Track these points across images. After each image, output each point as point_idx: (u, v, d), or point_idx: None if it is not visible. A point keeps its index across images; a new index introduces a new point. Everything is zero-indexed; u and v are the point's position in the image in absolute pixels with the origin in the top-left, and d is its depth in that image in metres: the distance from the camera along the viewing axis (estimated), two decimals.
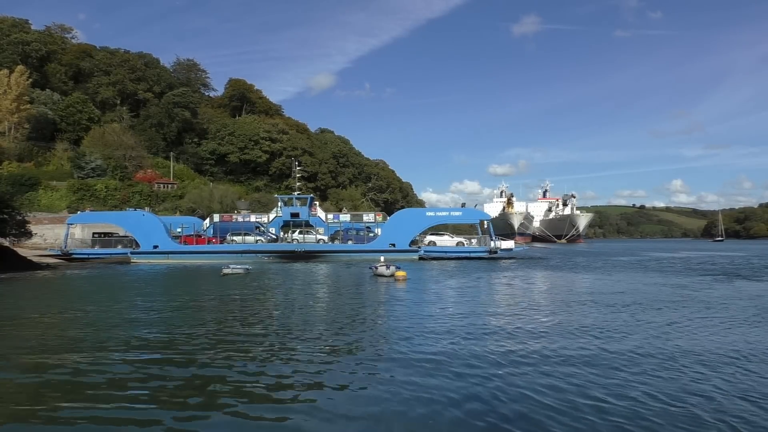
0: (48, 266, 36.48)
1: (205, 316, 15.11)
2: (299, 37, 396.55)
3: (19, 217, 36.08)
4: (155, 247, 44.89)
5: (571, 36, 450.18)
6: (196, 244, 46.33)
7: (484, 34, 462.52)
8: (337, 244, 46.63)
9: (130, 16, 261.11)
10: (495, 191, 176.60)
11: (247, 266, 32.65)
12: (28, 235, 37.01)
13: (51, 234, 55.38)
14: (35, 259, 39.30)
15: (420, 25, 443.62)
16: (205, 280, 27.84)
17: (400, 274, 25.98)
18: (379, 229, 47.88)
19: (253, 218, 50.92)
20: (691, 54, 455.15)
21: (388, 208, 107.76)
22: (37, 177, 69.76)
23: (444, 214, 50.90)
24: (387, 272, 26.60)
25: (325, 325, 13.33)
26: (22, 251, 37.15)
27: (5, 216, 34.23)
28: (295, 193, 53.78)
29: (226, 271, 29.68)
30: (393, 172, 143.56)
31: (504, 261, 43.26)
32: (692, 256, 52.72)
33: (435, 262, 42.08)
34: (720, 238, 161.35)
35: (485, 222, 49.39)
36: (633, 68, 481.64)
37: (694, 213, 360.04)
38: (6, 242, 34.95)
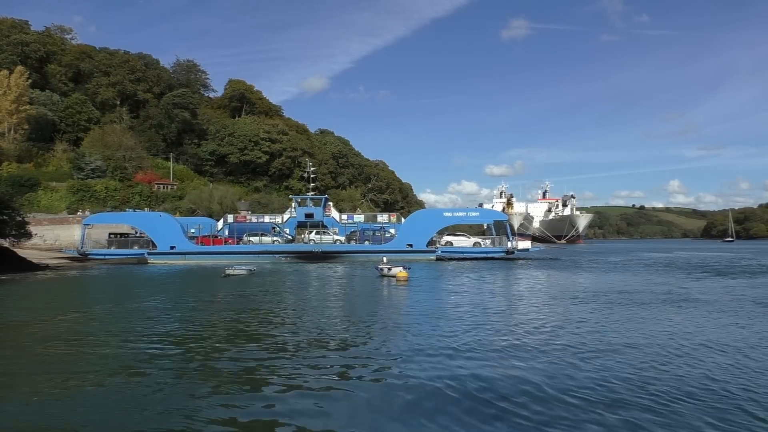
0: (48, 267, 36.36)
1: (208, 319, 15.03)
2: (302, 36, 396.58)
3: (18, 218, 35.93)
4: (172, 247, 44.93)
5: (570, 37, 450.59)
6: (213, 244, 46.34)
7: (486, 34, 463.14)
8: (354, 245, 46.29)
9: (131, 16, 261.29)
10: (494, 192, 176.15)
11: (251, 267, 32.56)
12: (28, 236, 36.86)
13: (51, 235, 55.21)
14: (51, 260, 39.24)
15: (424, 24, 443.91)
16: (219, 282, 27.72)
17: (402, 274, 25.84)
18: (394, 230, 47.69)
19: (267, 218, 50.80)
20: (688, 56, 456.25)
21: (388, 209, 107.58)
22: (37, 178, 69.62)
23: (461, 214, 50.61)
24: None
25: (331, 330, 13.23)
26: (22, 252, 37.02)
27: (5, 217, 34.10)
28: (309, 194, 53.71)
29: (228, 271, 29.54)
30: (393, 172, 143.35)
31: (521, 261, 43.11)
32: (734, 258, 48.35)
33: (452, 262, 41.97)
34: (730, 239, 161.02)
35: (502, 222, 49.67)
36: (630, 70, 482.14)
37: (694, 213, 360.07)
38: (6, 243, 34.81)
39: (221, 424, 6.59)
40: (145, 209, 63.14)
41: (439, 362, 9.31)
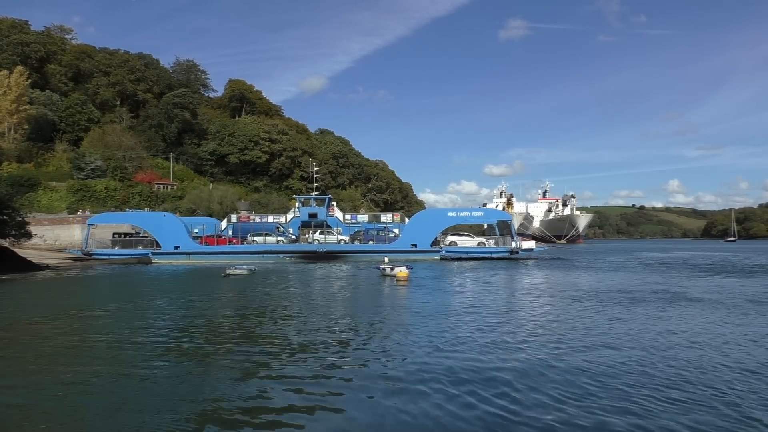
0: (48, 267, 36.32)
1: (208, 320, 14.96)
2: (302, 36, 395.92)
3: (18, 218, 35.89)
4: (176, 247, 44.94)
5: (569, 37, 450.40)
6: (217, 244, 46.32)
7: (485, 34, 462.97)
8: (359, 245, 46.28)
9: (131, 16, 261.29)
10: (494, 192, 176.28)
11: (252, 267, 32.51)
12: (28, 236, 36.83)
13: (51, 235, 55.19)
14: (54, 260, 39.12)
15: (424, 24, 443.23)
16: (220, 282, 27.66)
17: (402, 274, 25.81)
18: (398, 229, 47.62)
19: (270, 218, 50.85)
20: (688, 56, 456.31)
21: (388, 209, 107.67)
22: (37, 178, 69.56)
23: (465, 214, 50.46)
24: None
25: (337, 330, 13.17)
26: (22, 252, 36.97)
27: (5, 217, 34.05)
28: (313, 194, 53.73)
29: (228, 271, 29.49)
30: (393, 172, 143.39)
31: (525, 261, 43.03)
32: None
33: (455, 262, 41.86)
34: (732, 239, 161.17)
35: (507, 222, 49.64)
36: (629, 70, 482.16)
37: (694, 213, 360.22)
38: (6, 243, 34.78)
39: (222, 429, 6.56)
40: (145, 209, 63.14)
41: (434, 373, 9.22)
